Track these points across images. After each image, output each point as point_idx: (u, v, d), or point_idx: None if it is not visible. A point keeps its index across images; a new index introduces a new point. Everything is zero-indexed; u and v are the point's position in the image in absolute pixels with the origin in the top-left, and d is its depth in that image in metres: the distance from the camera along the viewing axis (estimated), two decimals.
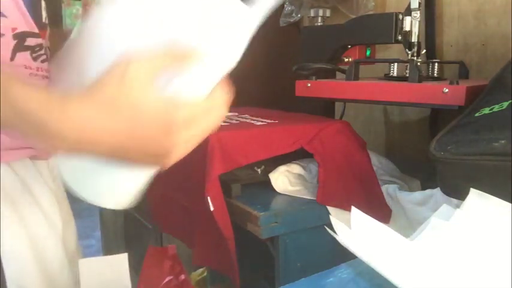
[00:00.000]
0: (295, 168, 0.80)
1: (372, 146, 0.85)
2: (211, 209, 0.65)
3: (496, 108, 0.52)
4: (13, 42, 0.55)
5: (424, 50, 0.83)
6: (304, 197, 0.75)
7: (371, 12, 1.05)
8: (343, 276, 0.45)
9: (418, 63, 0.78)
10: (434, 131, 0.99)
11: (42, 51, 0.58)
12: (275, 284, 0.71)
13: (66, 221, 0.66)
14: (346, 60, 0.94)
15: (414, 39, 0.79)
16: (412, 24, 0.78)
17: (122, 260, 0.50)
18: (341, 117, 1.01)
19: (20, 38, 0.55)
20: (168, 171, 0.39)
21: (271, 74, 1.28)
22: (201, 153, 0.68)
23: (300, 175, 0.80)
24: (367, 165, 0.76)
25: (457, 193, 0.50)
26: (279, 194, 0.76)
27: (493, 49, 0.92)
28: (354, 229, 0.44)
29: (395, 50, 1.08)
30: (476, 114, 0.54)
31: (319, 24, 1.03)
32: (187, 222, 0.78)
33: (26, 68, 0.57)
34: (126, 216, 1.36)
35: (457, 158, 0.48)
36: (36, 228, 0.60)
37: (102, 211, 1.41)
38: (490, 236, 0.40)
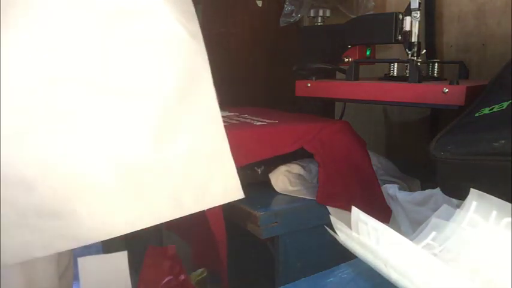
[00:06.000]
0: (295, 168, 0.80)
1: (372, 146, 0.85)
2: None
3: (496, 108, 0.52)
4: None
5: (424, 50, 0.83)
6: (304, 197, 0.75)
7: (371, 12, 1.05)
8: (343, 276, 0.45)
9: (418, 63, 0.78)
10: (434, 131, 0.99)
11: None
12: (275, 284, 0.71)
13: None
14: (346, 60, 0.94)
15: (414, 39, 0.79)
16: (412, 24, 0.78)
17: (121, 258, 0.50)
18: (341, 117, 1.01)
19: None
20: None
21: (271, 74, 1.28)
22: None
23: (300, 175, 0.80)
24: (367, 165, 0.76)
25: (457, 193, 0.50)
26: (279, 194, 0.76)
27: (493, 49, 0.92)
28: (354, 229, 0.44)
29: (395, 50, 1.08)
30: (476, 114, 0.54)
31: (319, 24, 1.03)
32: (186, 219, 0.78)
33: None
34: None
35: (457, 158, 0.48)
36: None
37: None
38: (490, 236, 0.40)
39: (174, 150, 0.43)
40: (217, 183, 0.47)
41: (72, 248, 0.40)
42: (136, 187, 0.41)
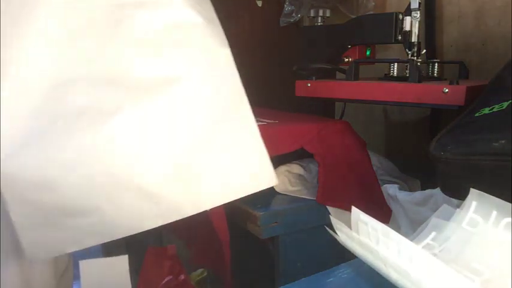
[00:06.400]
0: (295, 168, 0.80)
1: (372, 146, 0.85)
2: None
3: (496, 108, 0.52)
4: None
5: (424, 50, 0.83)
6: (304, 197, 0.75)
7: (371, 12, 1.06)
8: (343, 276, 0.45)
9: (418, 63, 0.78)
10: (434, 131, 0.99)
11: None
12: (275, 284, 0.71)
13: None
14: (346, 60, 0.94)
15: (414, 39, 0.79)
16: (412, 24, 0.78)
17: (122, 262, 0.50)
18: (341, 117, 1.01)
19: None
20: None
21: (271, 74, 1.28)
22: None
23: (300, 175, 0.80)
24: (367, 165, 0.76)
25: (457, 193, 0.50)
26: (279, 194, 0.76)
27: (493, 49, 0.92)
28: (354, 229, 0.44)
29: (395, 50, 1.08)
30: (476, 114, 0.54)
31: (319, 24, 1.03)
32: (187, 220, 0.78)
33: None
34: None
35: (457, 158, 0.48)
36: None
37: None
38: (490, 236, 0.40)
39: (205, 142, 0.42)
40: (248, 171, 0.46)
41: (102, 242, 0.40)
42: (162, 181, 0.40)
